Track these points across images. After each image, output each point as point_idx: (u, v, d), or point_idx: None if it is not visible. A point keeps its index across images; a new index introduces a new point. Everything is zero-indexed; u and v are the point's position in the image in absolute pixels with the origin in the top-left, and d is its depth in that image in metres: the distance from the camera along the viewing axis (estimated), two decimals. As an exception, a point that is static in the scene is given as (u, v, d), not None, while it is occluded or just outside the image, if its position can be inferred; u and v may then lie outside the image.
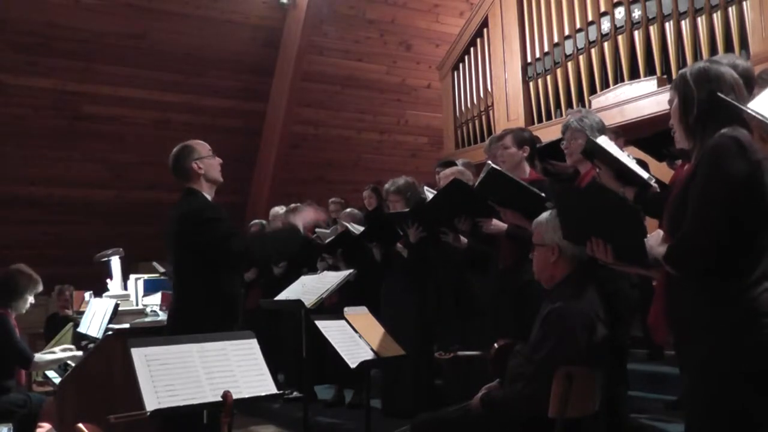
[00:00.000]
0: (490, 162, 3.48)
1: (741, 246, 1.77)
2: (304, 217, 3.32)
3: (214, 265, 3.05)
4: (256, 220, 6.46)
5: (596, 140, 2.86)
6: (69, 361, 4.22)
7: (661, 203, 2.35)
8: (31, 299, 4.30)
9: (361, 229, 4.69)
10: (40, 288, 4.34)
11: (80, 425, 1.98)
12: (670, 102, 2.00)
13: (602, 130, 3.33)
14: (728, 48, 4.99)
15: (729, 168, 1.75)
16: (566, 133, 3.35)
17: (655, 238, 1.93)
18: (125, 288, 4.94)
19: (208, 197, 3.16)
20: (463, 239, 3.89)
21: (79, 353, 4.22)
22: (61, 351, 4.30)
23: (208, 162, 3.18)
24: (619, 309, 3.01)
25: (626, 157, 2.87)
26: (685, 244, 1.81)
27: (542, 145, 3.97)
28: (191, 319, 2.95)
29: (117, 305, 4.20)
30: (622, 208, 2.05)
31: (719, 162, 1.77)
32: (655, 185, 2.85)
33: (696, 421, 1.85)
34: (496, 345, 2.82)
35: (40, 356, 4.13)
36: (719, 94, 1.78)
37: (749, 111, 1.52)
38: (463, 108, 8.03)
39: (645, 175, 2.84)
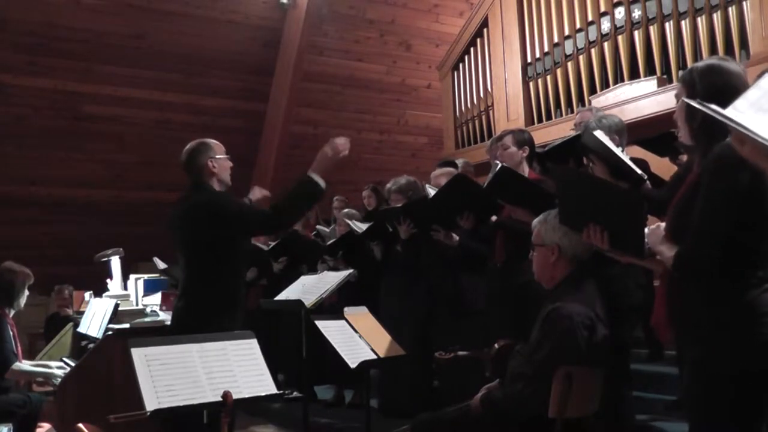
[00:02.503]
0: (498, 162, 3.49)
1: (743, 249, 1.79)
2: (321, 165, 3.10)
3: (225, 260, 3.07)
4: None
5: (593, 133, 2.86)
6: (46, 378, 4.20)
7: (653, 200, 2.36)
8: (27, 293, 4.32)
9: (364, 227, 4.69)
10: (32, 280, 4.35)
11: (80, 425, 1.98)
12: (677, 96, 2.00)
13: (621, 131, 3.34)
14: (728, 48, 4.99)
15: (733, 179, 1.76)
16: (584, 133, 3.35)
17: (655, 234, 1.94)
18: (125, 288, 4.94)
19: None
20: (455, 236, 3.90)
21: (60, 371, 4.21)
22: (47, 365, 4.30)
23: (222, 162, 3.22)
24: (623, 309, 3.01)
25: (621, 153, 2.88)
26: (692, 255, 1.83)
27: (551, 147, 3.95)
28: (197, 317, 2.96)
29: (117, 305, 4.19)
30: (626, 197, 2.05)
31: (723, 173, 1.78)
32: (647, 183, 2.86)
33: (696, 419, 1.86)
34: (496, 345, 2.82)
35: (19, 365, 4.09)
36: (692, 102, 1.76)
37: (733, 124, 1.52)
38: (463, 108, 8.02)
39: (638, 170, 2.85)
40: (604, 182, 2.42)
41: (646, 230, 1.96)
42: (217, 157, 3.20)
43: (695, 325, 1.84)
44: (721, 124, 1.80)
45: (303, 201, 3.21)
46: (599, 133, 2.84)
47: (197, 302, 3.07)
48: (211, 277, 3.08)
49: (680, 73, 5.23)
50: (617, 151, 2.81)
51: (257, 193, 3.70)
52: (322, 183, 3.12)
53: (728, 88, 1.86)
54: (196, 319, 2.96)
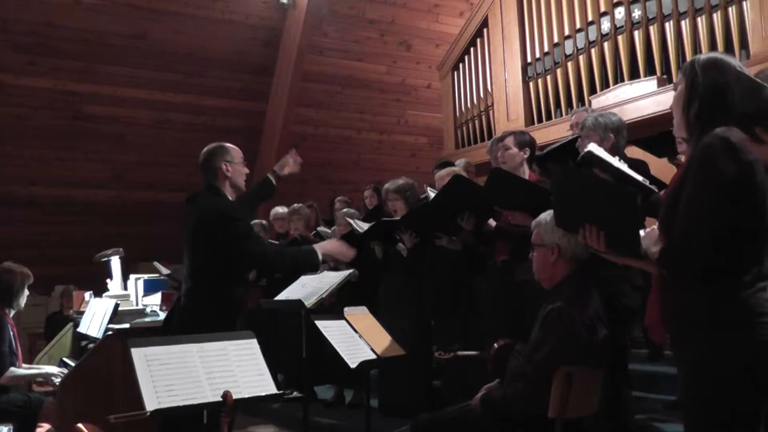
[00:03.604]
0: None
1: (735, 246, 1.76)
2: (327, 247, 3.44)
3: (227, 266, 3.09)
4: (256, 220, 6.46)
5: (590, 149, 2.86)
6: (45, 378, 4.20)
7: (657, 203, 2.35)
8: (26, 293, 4.31)
9: (366, 226, 4.69)
10: (32, 280, 4.35)
11: (80, 425, 1.98)
12: (676, 86, 1.98)
13: (618, 130, 3.33)
14: (728, 48, 4.99)
15: (718, 170, 1.73)
16: (582, 131, 3.37)
17: (650, 237, 1.92)
18: (125, 288, 4.93)
19: (230, 198, 3.26)
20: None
21: (57, 371, 4.21)
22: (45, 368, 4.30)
23: (236, 168, 3.29)
24: (619, 311, 3.01)
25: (622, 165, 2.87)
26: (676, 249, 1.80)
27: (549, 149, 3.95)
28: (197, 318, 2.98)
29: (117, 305, 4.19)
30: (619, 194, 2.02)
31: (708, 164, 1.75)
32: (655, 189, 2.85)
33: (692, 420, 1.85)
34: (496, 345, 2.82)
35: (13, 370, 4.07)
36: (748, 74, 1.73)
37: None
38: (463, 108, 8.02)
39: (646, 182, 2.84)
40: (597, 180, 2.39)
41: (642, 233, 1.94)
42: (234, 162, 3.24)
43: (689, 326, 1.82)
44: (715, 116, 1.79)
45: (299, 265, 3.46)
46: (593, 146, 2.85)
47: (200, 302, 3.09)
48: (214, 279, 3.10)
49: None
50: (618, 164, 2.80)
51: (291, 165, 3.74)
52: (320, 258, 3.35)
53: (730, 86, 1.84)
54: (197, 319, 2.98)
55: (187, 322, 3.03)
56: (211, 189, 3.23)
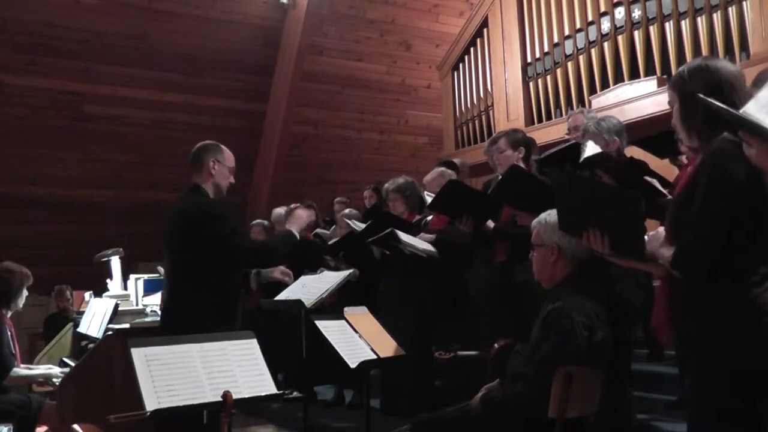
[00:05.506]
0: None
1: (743, 247, 1.77)
2: (297, 221, 3.47)
3: (215, 264, 3.07)
4: (257, 221, 6.46)
5: (587, 148, 2.87)
6: (46, 378, 4.19)
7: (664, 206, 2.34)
8: (25, 293, 4.30)
9: (363, 226, 4.69)
10: (31, 280, 4.33)
11: (75, 426, 1.99)
12: (671, 103, 1.99)
13: (621, 132, 3.34)
14: (728, 48, 5.00)
15: (730, 173, 1.74)
16: (584, 137, 3.35)
17: (656, 238, 1.92)
18: (125, 288, 4.93)
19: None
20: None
21: (57, 370, 4.21)
22: (43, 368, 4.30)
23: (223, 170, 3.24)
24: (625, 308, 3.01)
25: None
26: (689, 251, 1.81)
27: (548, 154, 3.95)
28: (186, 320, 2.96)
29: (117, 305, 4.19)
30: (622, 197, 2.02)
31: (720, 167, 1.76)
32: (665, 192, 2.85)
33: (698, 420, 1.86)
34: (496, 345, 2.83)
35: (17, 370, 4.07)
36: (701, 95, 1.76)
37: (729, 111, 1.52)
38: (463, 108, 8.02)
39: (656, 183, 2.85)
40: (599, 183, 2.40)
41: (646, 237, 1.94)
42: (223, 162, 3.23)
43: (697, 326, 1.83)
44: (721, 118, 1.79)
45: (286, 249, 3.44)
46: (591, 145, 2.86)
47: (183, 305, 3.08)
48: (197, 280, 3.07)
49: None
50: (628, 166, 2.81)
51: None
52: (297, 236, 3.45)
53: (723, 84, 1.85)
54: (181, 321, 2.97)
55: (186, 323, 3.01)
56: (194, 188, 3.20)
